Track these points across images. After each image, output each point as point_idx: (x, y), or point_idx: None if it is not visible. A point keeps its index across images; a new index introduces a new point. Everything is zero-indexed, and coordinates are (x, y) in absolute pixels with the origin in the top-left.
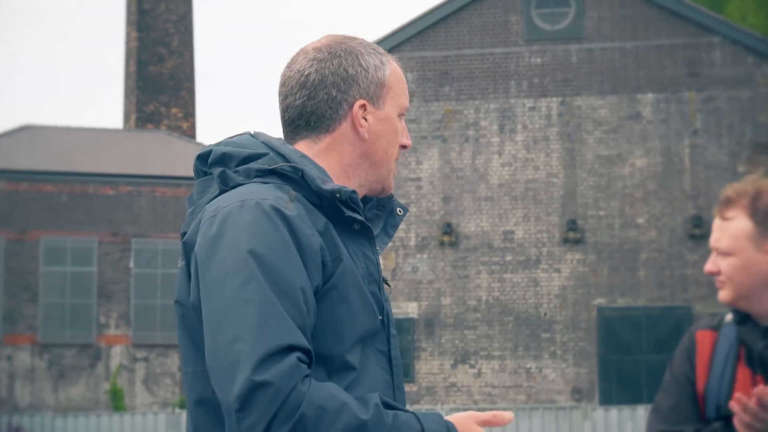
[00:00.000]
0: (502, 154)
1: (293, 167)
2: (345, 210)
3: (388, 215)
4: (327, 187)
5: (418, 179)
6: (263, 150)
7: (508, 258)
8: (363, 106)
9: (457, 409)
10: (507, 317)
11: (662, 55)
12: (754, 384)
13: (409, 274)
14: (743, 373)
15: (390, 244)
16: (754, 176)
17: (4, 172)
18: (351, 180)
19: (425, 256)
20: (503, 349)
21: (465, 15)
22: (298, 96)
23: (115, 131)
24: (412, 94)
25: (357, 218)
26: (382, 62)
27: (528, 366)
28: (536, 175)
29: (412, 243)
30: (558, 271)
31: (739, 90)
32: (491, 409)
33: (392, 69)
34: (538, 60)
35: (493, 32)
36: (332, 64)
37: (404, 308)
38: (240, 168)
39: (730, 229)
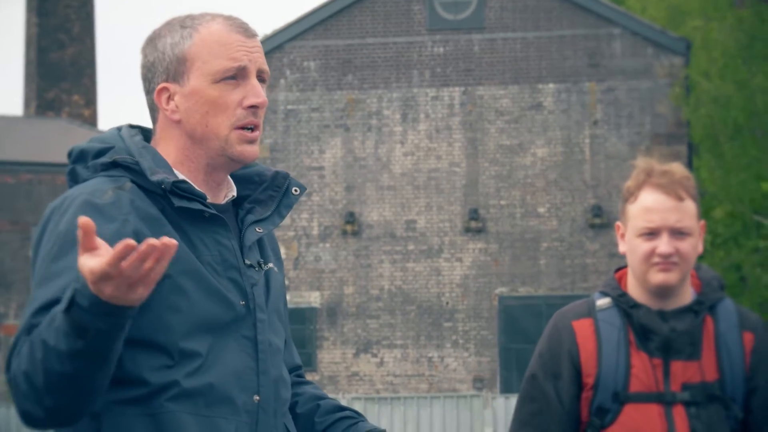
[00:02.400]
0: (405, 144)
1: (132, 158)
2: (175, 200)
3: (283, 195)
4: (153, 178)
5: (321, 168)
6: (116, 143)
7: (411, 247)
8: (164, 89)
9: (359, 399)
10: (409, 306)
11: (563, 46)
12: (653, 368)
13: (311, 263)
14: (639, 357)
15: (292, 233)
16: (652, 158)
17: None
18: (192, 162)
19: (328, 245)
20: (405, 338)
21: (368, 4)
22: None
23: (16, 118)
24: (314, 83)
25: (191, 207)
26: (182, 36)
27: (430, 355)
28: (439, 165)
29: (315, 232)
30: (460, 260)
31: (639, 81)
32: (393, 399)
33: (200, 37)
34: (441, 49)
35: (396, 21)
36: (142, 58)
37: (307, 297)
38: (90, 163)
39: (687, 209)
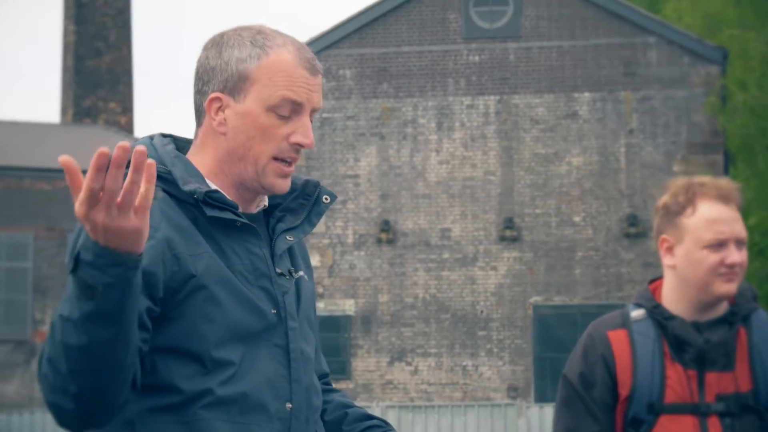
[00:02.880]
0: (440, 152)
1: (165, 168)
2: (207, 210)
3: (314, 204)
4: (186, 188)
5: (356, 176)
6: (150, 153)
7: (446, 256)
8: (217, 99)
9: (393, 407)
10: (444, 315)
11: (599, 55)
12: (688, 379)
13: (346, 271)
14: (674, 369)
15: (327, 241)
16: (695, 175)
17: None
18: (225, 175)
19: (363, 253)
20: (440, 347)
21: (403, 12)
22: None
23: (52, 125)
24: (350, 91)
25: (223, 217)
26: (251, 55)
27: (464, 363)
28: (474, 173)
29: (350, 240)
30: (495, 268)
31: (675, 90)
32: (427, 408)
33: (269, 61)
34: (476, 58)
35: (432, 30)
36: (202, 57)
37: (341, 305)
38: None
39: (741, 220)
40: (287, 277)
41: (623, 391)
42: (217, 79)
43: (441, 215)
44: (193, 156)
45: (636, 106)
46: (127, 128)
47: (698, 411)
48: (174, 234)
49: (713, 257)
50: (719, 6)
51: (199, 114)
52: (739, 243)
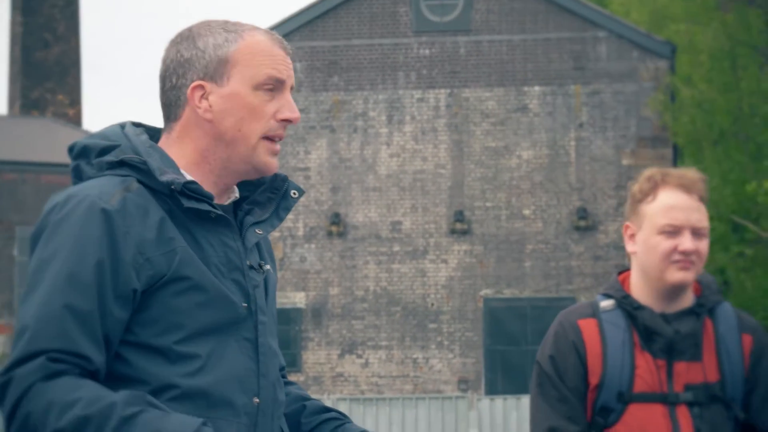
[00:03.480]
0: (391, 145)
1: (140, 158)
2: (184, 201)
3: (282, 198)
4: (163, 178)
5: (307, 169)
6: (121, 141)
7: (396, 248)
8: (200, 87)
9: (344, 400)
10: (394, 307)
11: (549, 49)
12: (657, 368)
13: (296, 264)
14: (644, 358)
15: (277, 233)
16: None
17: None
18: (210, 165)
19: (313, 246)
20: (390, 339)
21: (354, 5)
22: (159, 89)
23: (0, 117)
24: (299, 84)
25: (200, 208)
26: (227, 39)
27: (415, 356)
28: (424, 166)
29: (300, 233)
30: (445, 261)
31: (624, 84)
32: (378, 400)
33: (245, 43)
34: (427, 51)
35: (382, 23)
36: (171, 53)
37: (292, 298)
38: (95, 161)
39: (703, 211)
40: (257, 270)
41: (593, 380)
42: (195, 68)
43: (392, 208)
44: (168, 148)
45: (586, 100)
46: (75, 120)
47: (667, 400)
48: (146, 233)
49: (666, 243)
50: (666, 1)
51: (176, 108)
52: (696, 232)
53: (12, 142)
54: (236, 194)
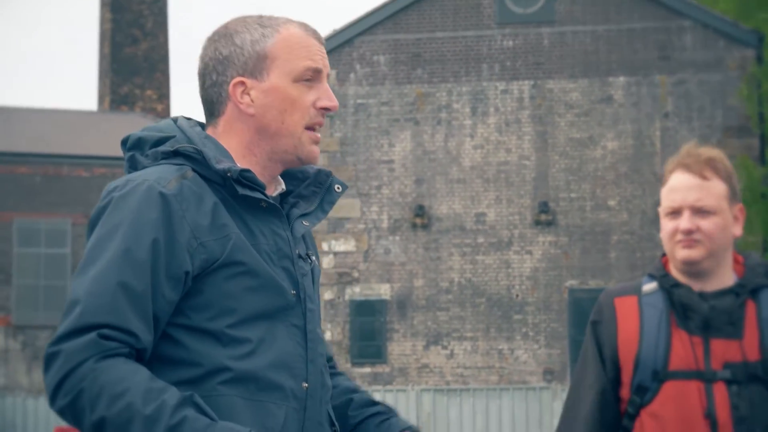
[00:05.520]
0: (475, 137)
1: (194, 148)
2: (239, 188)
3: (326, 192)
4: (219, 166)
5: (391, 161)
6: (176, 133)
7: (480, 240)
8: (241, 83)
9: (428, 391)
10: (479, 299)
11: (633, 39)
12: (693, 345)
13: (381, 256)
14: (679, 335)
15: (362, 226)
16: (695, 144)
17: None
18: (256, 157)
19: (398, 238)
20: (475, 331)
21: None
22: (199, 86)
23: (90, 113)
24: (384, 77)
25: (253, 196)
26: (263, 35)
27: (500, 347)
28: (508, 158)
29: (385, 225)
30: (530, 253)
31: (710, 74)
32: (463, 391)
33: (282, 37)
34: (510, 43)
35: (466, 15)
36: (210, 50)
37: (377, 290)
38: (150, 151)
39: (712, 189)
40: (305, 260)
41: (627, 357)
42: (235, 64)
43: (476, 200)
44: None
45: (671, 90)
46: (164, 115)
47: (703, 377)
48: (201, 219)
49: (669, 224)
50: None
51: (218, 105)
52: (696, 211)
53: (102, 137)
54: (283, 186)
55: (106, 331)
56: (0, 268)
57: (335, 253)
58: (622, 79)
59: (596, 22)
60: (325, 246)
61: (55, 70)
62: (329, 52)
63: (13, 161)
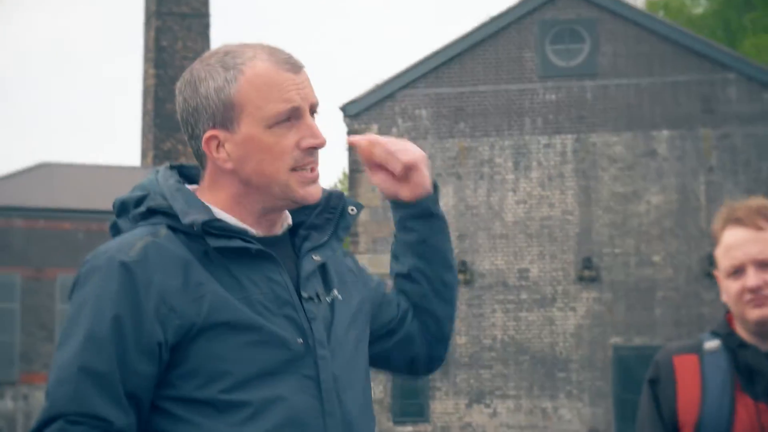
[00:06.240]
0: (517, 192)
1: (166, 203)
2: (211, 240)
3: (340, 217)
4: (185, 220)
5: None
6: (152, 188)
7: (524, 296)
8: (213, 137)
9: None
10: (522, 356)
11: (677, 92)
12: (758, 412)
13: None
14: (744, 401)
15: None
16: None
17: (22, 209)
18: (247, 209)
19: None
20: (519, 389)
21: (479, 51)
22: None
23: (133, 168)
24: (426, 131)
25: (231, 246)
26: (227, 80)
27: (544, 406)
28: (551, 213)
29: None
30: (574, 309)
31: (755, 126)
32: None
33: (246, 79)
34: (553, 96)
35: (508, 68)
36: (180, 102)
37: None
38: (131, 214)
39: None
40: (315, 301)
41: (687, 418)
42: (203, 117)
43: (519, 255)
44: (203, 195)
45: (715, 144)
46: None
47: None
48: (171, 281)
49: (734, 285)
50: None
51: (200, 158)
52: (760, 264)
53: None
54: (289, 221)
55: (72, 417)
56: (43, 324)
57: None
58: (665, 132)
59: (639, 74)
60: None
61: (99, 127)
62: (371, 107)
63: (56, 217)
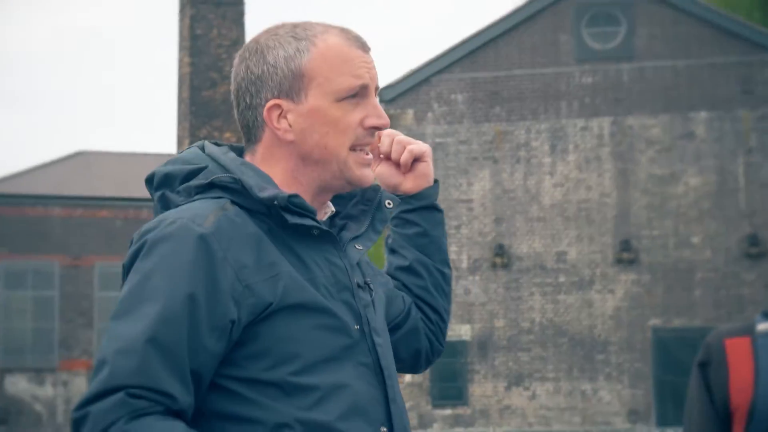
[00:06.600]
0: (554, 175)
1: (232, 177)
2: (288, 217)
3: (376, 209)
4: (264, 194)
5: (470, 201)
6: (206, 163)
7: (561, 279)
8: (276, 106)
9: None
10: (561, 339)
11: (715, 73)
12: None
13: (461, 297)
14: None
15: None
16: None
17: (59, 198)
18: (303, 185)
19: (477, 278)
20: (558, 371)
21: (515, 35)
22: (235, 109)
23: (169, 156)
24: (462, 115)
25: (305, 224)
26: (298, 49)
27: (583, 388)
28: (589, 195)
29: (464, 265)
30: (612, 292)
31: None
32: None
33: (319, 51)
34: (589, 79)
35: (544, 52)
36: (242, 70)
37: (457, 331)
38: (181, 187)
39: None
40: (364, 288)
41: (740, 403)
42: (268, 85)
43: (556, 239)
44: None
45: (754, 125)
46: None
47: None
48: (245, 258)
49: None
50: None
51: (255, 129)
52: None
53: None
54: (332, 208)
55: (136, 391)
56: (82, 311)
57: None
58: (703, 114)
59: (676, 56)
60: None
61: (135, 115)
62: (407, 92)
63: (93, 205)
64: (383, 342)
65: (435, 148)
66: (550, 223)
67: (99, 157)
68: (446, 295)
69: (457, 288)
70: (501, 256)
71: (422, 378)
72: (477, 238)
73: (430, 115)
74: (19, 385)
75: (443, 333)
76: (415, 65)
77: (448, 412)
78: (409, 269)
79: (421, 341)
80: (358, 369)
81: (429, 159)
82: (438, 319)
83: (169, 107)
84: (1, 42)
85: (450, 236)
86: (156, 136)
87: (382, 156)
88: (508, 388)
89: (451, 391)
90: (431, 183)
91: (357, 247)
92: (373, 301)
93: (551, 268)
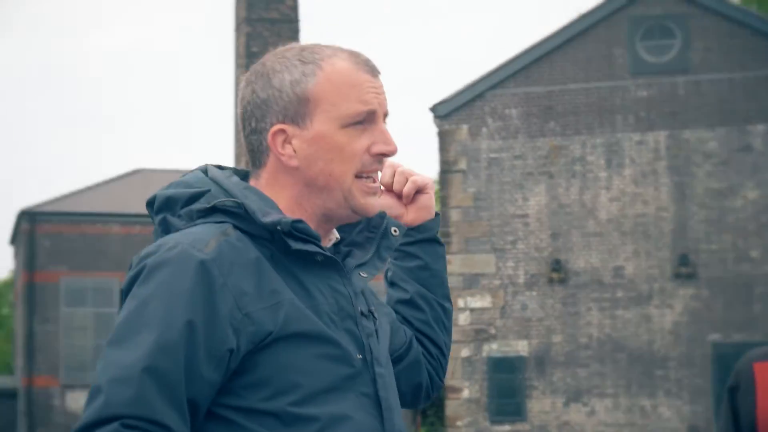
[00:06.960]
0: (610, 189)
1: (234, 201)
2: (292, 243)
3: (382, 237)
4: (267, 219)
5: (525, 216)
6: (209, 186)
7: (619, 294)
8: (281, 131)
9: None
10: (619, 354)
11: None
12: None
13: (518, 312)
14: None
15: (498, 282)
16: None
17: (118, 215)
18: (307, 212)
19: (534, 293)
20: (616, 387)
21: (569, 49)
22: (242, 132)
23: None
24: (516, 130)
25: (309, 250)
26: (304, 73)
27: (642, 404)
28: (645, 210)
29: (521, 280)
30: (670, 306)
31: None
32: None
33: (325, 75)
34: (644, 93)
35: (598, 66)
36: (248, 93)
37: (514, 346)
38: (182, 211)
39: None
40: (368, 317)
41: (766, 429)
42: (273, 110)
43: (613, 253)
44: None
45: None
46: None
47: None
48: (245, 285)
49: None
50: None
51: (259, 154)
52: None
53: None
54: (337, 235)
55: (131, 421)
56: None
57: (471, 310)
58: (760, 127)
59: (732, 69)
60: (461, 302)
61: (193, 132)
62: (461, 107)
63: (151, 223)
64: (385, 372)
65: (490, 163)
66: (607, 237)
67: (157, 175)
68: (447, 329)
69: (515, 303)
70: (558, 272)
71: (479, 394)
72: (533, 254)
73: (484, 130)
74: (80, 401)
75: (443, 368)
76: (469, 80)
77: (506, 428)
78: (410, 302)
79: (423, 375)
80: (359, 399)
81: (431, 191)
82: (438, 353)
83: (226, 125)
84: (67, 65)
85: (506, 251)
86: (213, 154)
87: (382, 188)
88: (566, 404)
89: (509, 407)
90: (432, 215)
91: (362, 274)
92: (376, 331)
93: (608, 284)
